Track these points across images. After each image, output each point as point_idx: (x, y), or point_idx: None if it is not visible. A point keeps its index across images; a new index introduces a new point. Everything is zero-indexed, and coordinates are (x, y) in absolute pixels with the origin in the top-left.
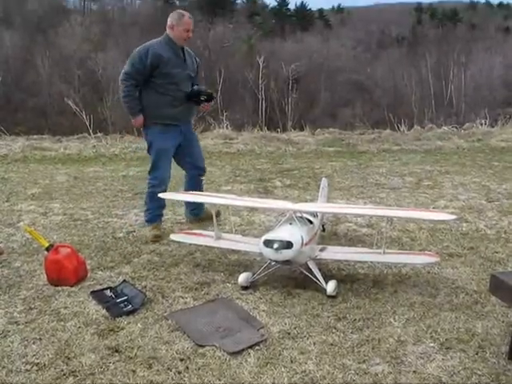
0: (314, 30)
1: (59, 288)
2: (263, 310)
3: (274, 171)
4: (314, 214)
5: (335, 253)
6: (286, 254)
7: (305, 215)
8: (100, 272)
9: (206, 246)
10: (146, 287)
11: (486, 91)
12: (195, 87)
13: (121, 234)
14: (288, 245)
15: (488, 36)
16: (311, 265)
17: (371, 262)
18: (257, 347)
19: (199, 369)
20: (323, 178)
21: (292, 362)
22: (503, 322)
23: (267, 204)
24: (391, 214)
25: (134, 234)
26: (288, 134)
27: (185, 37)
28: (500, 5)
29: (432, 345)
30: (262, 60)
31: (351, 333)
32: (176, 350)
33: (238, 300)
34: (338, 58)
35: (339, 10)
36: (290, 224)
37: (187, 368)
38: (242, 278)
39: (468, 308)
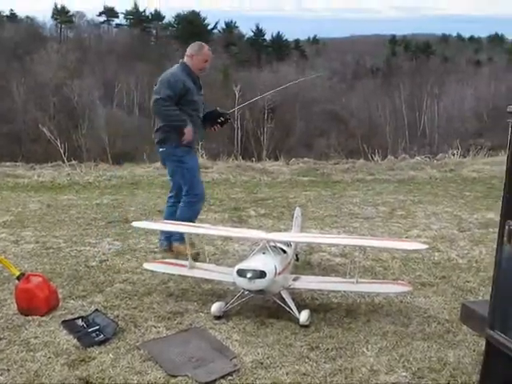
0: (289, 60)
1: (29, 318)
2: (236, 340)
3: (249, 200)
4: (288, 244)
5: (309, 282)
6: (260, 284)
7: (278, 245)
8: (72, 301)
9: (180, 276)
10: (118, 316)
11: (458, 122)
12: (217, 108)
13: (93, 263)
14: (261, 274)
15: (460, 69)
16: (284, 294)
17: (344, 291)
18: (229, 377)
19: None
20: (297, 208)
21: None
22: (474, 350)
23: (241, 233)
24: (364, 244)
25: (107, 262)
26: (263, 164)
27: (202, 67)
28: (471, 38)
29: (404, 374)
30: (239, 89)
31: (324, 362)
32: (148, 380)
33: (211, 330)
34: (314, 89)
35: (315, 41)
36: (264, 253)
37: None
38: (215, 307)
39: (440, 337)
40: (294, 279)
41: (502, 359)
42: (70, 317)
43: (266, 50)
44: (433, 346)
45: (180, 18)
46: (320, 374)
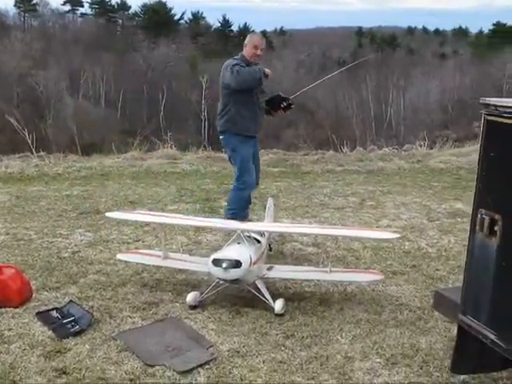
0: None
1: (2, 310)
2: (212, 329)
3: (219, 191)
4: (262, 234)
5: (283, 272)
6: (235, 273)
7: (253, 235)
8: (45, 293)
9: (154, 266)
10: (93, 307)
11: (423, 114)
12: (280, 94)
13: (66, 254)
14: (237, 264)
15: (425, 61)
16: (259, 284)
17: (318, 280)
18: (207, 366)
19: None
20: (269, 198)
21: (242, 380)
22: (445, 336)
23: (215, 223)
24: (337, 233)
25: (80, 254)
26: None
27: (252, 53)
28: (436, 31)
29: (378, 360)
30: (206, 80)
31: (299, 350)
32: (125, 370)
33: (186, 319)
34: (281, 80)
35: (282, 32)
36: (238, 243)
37: None
38: (190, 297)
39: (412, 324)
40: (268, 269)
41: (474, 343)
42: (43, 308)
43: (234, 40)
44: (405, 333)
45: (146, 8)
46: (296, 361)
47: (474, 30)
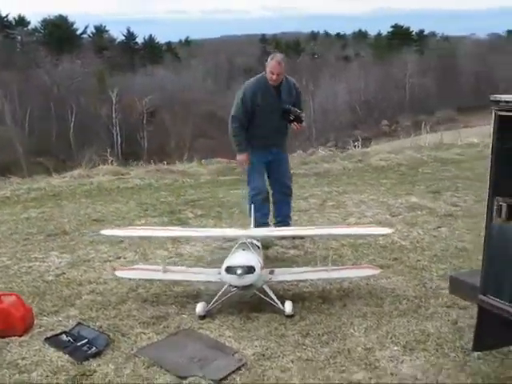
0: (164, 63)
1: (6, 340)
2: (229, 336)
3: (181, 203)
4: (258, 240)
5: (286, 275)
6: (249, 279)
7: (254, 241)
8: (45, 318)
9: (149, 281)
10: (101, 327)
11: (333, 116)
12: (288, 106)
13: (50, 277)
14: (250, 270)
15: (330, 64)
16: (266, 288)
17: (320, 279)
18: (239, 371)
19: None
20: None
21: (277, 380)
22: (448, 320)
23: (218, 232)
24: (341, 233)
25: (65, 276)
26: (181, 166)
27: (270, 77)
28: (337, 35)
29: (396, 348)
30: (115, 94)
31: (321, 347)
32: None
33: (200, 330)
34: (191, 90)
35: (187, 42)
36: (243, 250)
37: None
38: (199, 307)
39: (414, 312)
40: (270, 273)
41: (493, 322)
42: (51, 333)
43: (139, 53)
44: (411, 321)
45: (46, 23)
46: (321, 357)
47: (372, 33)
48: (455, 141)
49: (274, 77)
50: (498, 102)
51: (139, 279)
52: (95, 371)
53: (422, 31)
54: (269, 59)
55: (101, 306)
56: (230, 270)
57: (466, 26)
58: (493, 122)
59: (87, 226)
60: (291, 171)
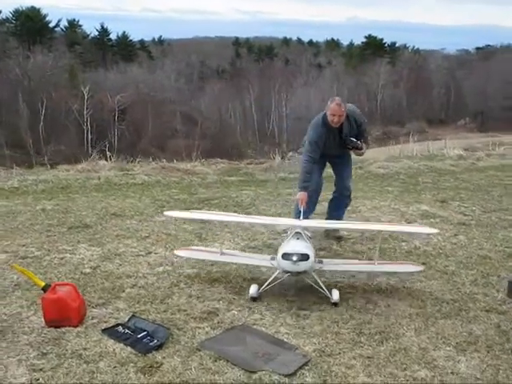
0: (137, 60)
1: (62, 329)
2: (286, 333)
3: (195, 201)
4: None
5: (333, 265)
6: (304, 266)
7: (306, 232)
8: (94, 309)
9: (209, 263)
10: (155, 321)
11: (305, 123)
12: (348, 138)
13: (87, 270)
14: (304, 257)
15: (303, 71)
16: (316, 276)
17: (367, 271)
18: (306, 367)
19: None
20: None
21: (345, 376)
22: (491, 324)
23: (275, 221)
24: (390, 229)
25: (101, 268)
26: (186, 165)
27: (331, 120)
28: (310, 42)
29: (448, 349)
30: (87, 90)
31: (377, 345)
32: (232, 378)
33: (254, 326)
34: (164, 90)
35: (160, 41)
36: (298, 239)
37: None
38: (253, 289)
39: (457, 315)
40: (319, 262)
41: None
42: (105, 325)
43: (112, 49)
44: (456, 323)
45: (18, 14)
46: (381, 355)
47: (345, 42)
48: (440, 151)
49: (336, 119)
50: None
51: (198, 259)
52: (162, 363)
53: (394, 43)
54: (329, 101)
55: (147, 299)
56: (286, 256)
57: (437, 40)
58: None
59: (108, 220)
60: None
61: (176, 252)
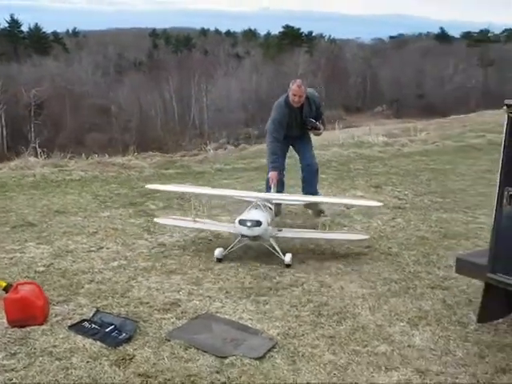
0: (52, 53)
1: (27, 329)
2: (249, 319)
3: (136, 195)
4: (271, 203)
5: (290, 232)
6: (257, 231)
7: (267, 204)
8: (56, 307)
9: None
10: (120, 314)
11: (226, 113)
12: (308, 118)
13: (41, 268)
14: (257, 223)
15: (222, 61)
16: (273, 241)
17: (316, 238)
18: (274, 349)
19: (241, 377)
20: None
21: (312, 356)
22: (437, 299)
23: (238, 193)
24: (339, 202)
25: (55, 266)
26: (122, 159)
27: (292, 100)
28: (227, 33)
29: (402, 324)
30: (0, 85)
31: (337, 325)
32: (206, 364)
33: (218, 314)
34: (81, 83)
35: (75, 33)
36: (256, 209)
37: (229, 378)
38: (218, 251)
39: (405, 293)
40: (278, 230)
41: (499, 297)
42: (71, 322)
43: (24, 42)
44: (406, 301)
45: None
46: (342, 334)
47: (262, 32)
48: (364, 138)
49: (296, 99)
50: (510, 105)
51: (174, 226)
52: (134, 355)
53: (310, 32)
54: (290, 84)
55: (108, 294)
56: (242, 222)
57: (352, 29)
58: (506, 122)
59: (51, 218)
60: None
61: (156, 220)
